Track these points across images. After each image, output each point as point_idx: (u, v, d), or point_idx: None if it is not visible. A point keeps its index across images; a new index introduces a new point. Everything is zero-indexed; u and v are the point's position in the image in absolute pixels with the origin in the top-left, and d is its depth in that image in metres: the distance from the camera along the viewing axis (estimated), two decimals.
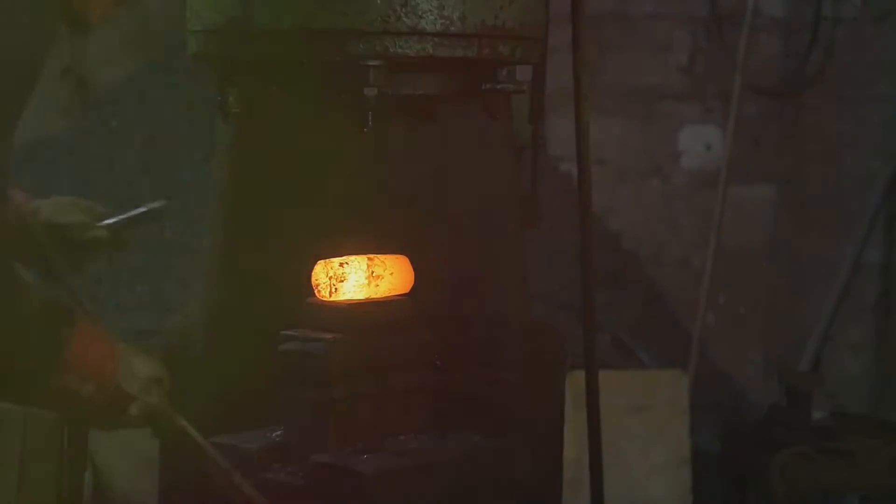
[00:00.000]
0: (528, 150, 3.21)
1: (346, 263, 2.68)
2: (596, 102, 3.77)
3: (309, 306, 2.66)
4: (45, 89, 2.50)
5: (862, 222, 6.33)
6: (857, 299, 6.42)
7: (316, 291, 2.66)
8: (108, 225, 2.94)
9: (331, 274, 2.66)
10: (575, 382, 3.25)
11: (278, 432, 2.64)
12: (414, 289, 2.74)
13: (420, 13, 2.70)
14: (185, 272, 6.29)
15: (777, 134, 6.63)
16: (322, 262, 2.67)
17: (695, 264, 6.65)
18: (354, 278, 2.67)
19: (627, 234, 6.88)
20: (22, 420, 3.29)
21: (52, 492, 3.24)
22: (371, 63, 2.69)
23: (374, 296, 2.69)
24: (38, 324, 2.31)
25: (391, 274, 2.71)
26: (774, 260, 6.66)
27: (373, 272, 2.69)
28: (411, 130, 2.84)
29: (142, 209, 3.07)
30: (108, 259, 3.17)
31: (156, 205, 3.10)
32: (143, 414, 2.55)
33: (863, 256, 6.36)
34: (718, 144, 6.64)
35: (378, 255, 2.71)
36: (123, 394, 2.51)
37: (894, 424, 3.79)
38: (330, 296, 2.65)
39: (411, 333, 2.70)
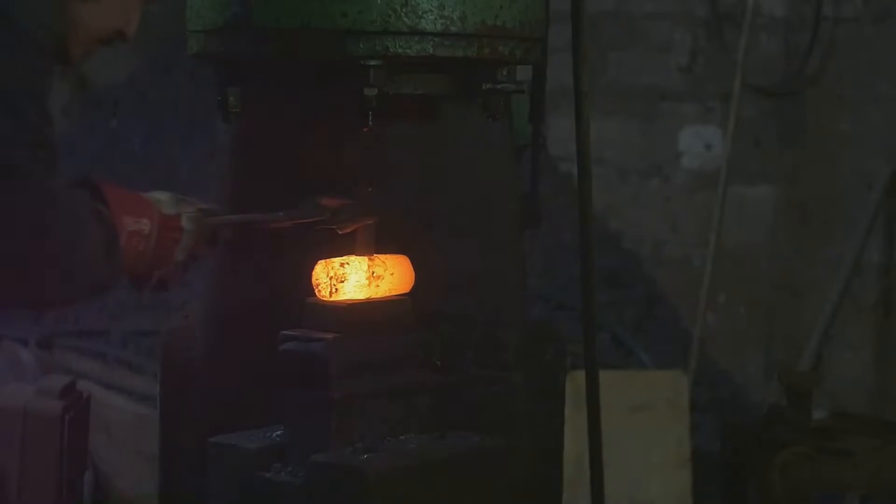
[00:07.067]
0: (528, 150, 3.21)
1: (347, 263, 2.67)
2: (596, 102, 3.76)
3: (309, 306, 2.66)
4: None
5: (862, 222, 6.32)
6: (857, 299, 6.42)
7: (316, 291, 2.66)
8: None
9: (331, 274, 2.66)
10: (575, 382, 3.25)
11: (278, 432, 2.64)
12: (414, 289, 2.74)
13: (420, 13, 2.70)
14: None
15: (777, 134, 6.63)
16: (322, 262, 2.67)
17: (695, 264, 6.66)
18: (355, 278, 2.67)
19: (627, 234, 6.88)
20: (22, 419, 3.30)
21: (52, 491, 3.25)
22: (371, 63, 2.69)
23: (374, 296, 2.69)
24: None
25: (391, 274, 2.71)
26: (774, 260, 6.65)
27: (373, 272, 2.69)
28: (411, 130, 2.84)
29: None
30: None
31: None
32: (192, 218, 2.65)
33: (863, 256, 6.35)
34: (718, 144, 6.64)
35: (378, 255, 2.71)
36: (170, 222, 2.62)
37: (894, 424, 3.78)
38: (330, 296, 2.65)
39: (411, 333, 2.70)
